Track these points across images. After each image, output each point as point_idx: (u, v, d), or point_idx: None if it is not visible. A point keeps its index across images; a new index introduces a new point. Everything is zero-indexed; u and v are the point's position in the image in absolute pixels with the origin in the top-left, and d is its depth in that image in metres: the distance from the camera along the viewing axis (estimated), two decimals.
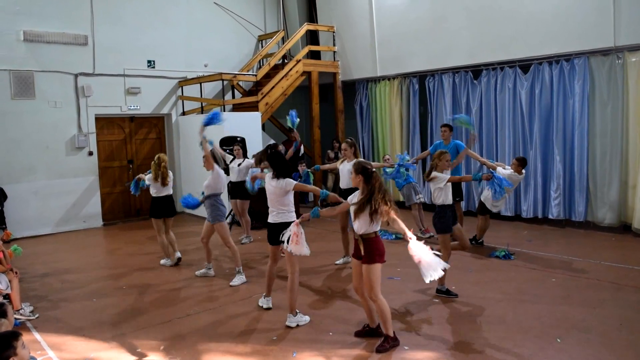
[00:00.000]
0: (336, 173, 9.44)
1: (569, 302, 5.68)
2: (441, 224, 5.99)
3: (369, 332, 4.97)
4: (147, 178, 7.62)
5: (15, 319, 5.02)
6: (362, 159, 5.39)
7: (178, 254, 7.84)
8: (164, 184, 7.55)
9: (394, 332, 4.77)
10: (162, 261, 7.86)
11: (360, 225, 4.65)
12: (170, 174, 7.74)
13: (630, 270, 6.71)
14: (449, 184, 6.01)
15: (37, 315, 5.82)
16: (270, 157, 5.59)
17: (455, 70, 10.75)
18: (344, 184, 7.31)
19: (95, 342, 5.09)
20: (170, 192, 7.72)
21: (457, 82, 10.77)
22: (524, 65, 9.70)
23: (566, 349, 4.55)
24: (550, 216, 9.46)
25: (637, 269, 6.76)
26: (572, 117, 9.13)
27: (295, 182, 5.47)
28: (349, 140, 7.30)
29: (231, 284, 6.76)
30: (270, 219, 5.54)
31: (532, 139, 9.67)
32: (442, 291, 6.02)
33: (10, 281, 5.69)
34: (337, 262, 7.58)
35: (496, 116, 10.19)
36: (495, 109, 10.19)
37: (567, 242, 8.36)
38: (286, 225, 5.19)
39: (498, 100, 10.12)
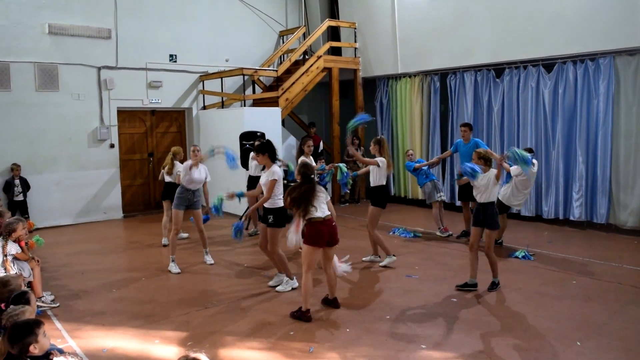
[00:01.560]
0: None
1: (590, 305, 5.61)
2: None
3: (326, 301, 5.72)
4: (167, 169, 8.67)
5: (37, 306, 5.10)
6: (305, 160, 5.92)
7: (165, 241, 8.70)
8: (169, 173, 8.55)
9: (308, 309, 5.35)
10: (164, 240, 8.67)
11: None
12: (177, 164, 8.42)
13: None
14: (475, 184, 6.05)
15: (58, 304, 5.92)
16: (264, 147, 6.15)
17: (477, 69, 10.64)
18: (371, 182, 7.32)
19: (115, 332, 5.16)
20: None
21: (479, 81, 10.66)
22: (548, 64, 9.56)
23: (586, 353, 4.49)
24: (571, 218, 9.33)
25: None
26: (595, 117, 8.98)
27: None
28: (376, 138, 7.36)
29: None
30: (281, 204, 6.18)
31: (554, 139, 9.54)
32: (471, 285, 6.22)
33: (32, 269, 5.79)
34: (381, 264, 7.31)
35: (518, 115, 10.06)
36: (518, 108, 10.06)
37: (588, 245, 8.24)
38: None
39: (520, 100, 9.99)
